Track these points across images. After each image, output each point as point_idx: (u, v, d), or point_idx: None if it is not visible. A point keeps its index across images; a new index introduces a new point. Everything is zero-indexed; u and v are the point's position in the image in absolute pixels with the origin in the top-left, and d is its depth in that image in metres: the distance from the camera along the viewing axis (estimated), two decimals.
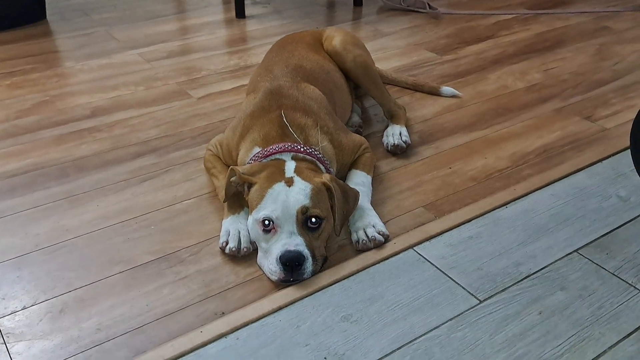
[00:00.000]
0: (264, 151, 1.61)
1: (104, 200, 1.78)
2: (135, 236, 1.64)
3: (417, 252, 1.55)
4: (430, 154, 2.00)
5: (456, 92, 2.36)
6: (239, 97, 2.34)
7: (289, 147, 1.60)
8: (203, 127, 2.16)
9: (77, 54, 2.77)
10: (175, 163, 1.95)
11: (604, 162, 1.93)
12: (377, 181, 1.84)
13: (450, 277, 1.46)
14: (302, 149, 1.61)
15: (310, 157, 1.62)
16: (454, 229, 1.62)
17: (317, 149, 1.64)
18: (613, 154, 1.96)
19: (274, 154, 1.60)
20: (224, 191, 1.60)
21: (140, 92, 2.42)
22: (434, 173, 1.90)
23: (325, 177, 1.54)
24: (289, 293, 1.43)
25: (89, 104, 2.32)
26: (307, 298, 1.41)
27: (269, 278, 1.47)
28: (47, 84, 2.48)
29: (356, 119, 2.11)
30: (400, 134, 2.02)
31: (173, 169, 1.92)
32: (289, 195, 1.47)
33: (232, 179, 1.57)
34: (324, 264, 1.50)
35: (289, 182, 1.50)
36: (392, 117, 2.11)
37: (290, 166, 1.56)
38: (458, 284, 1.44)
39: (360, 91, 2.30)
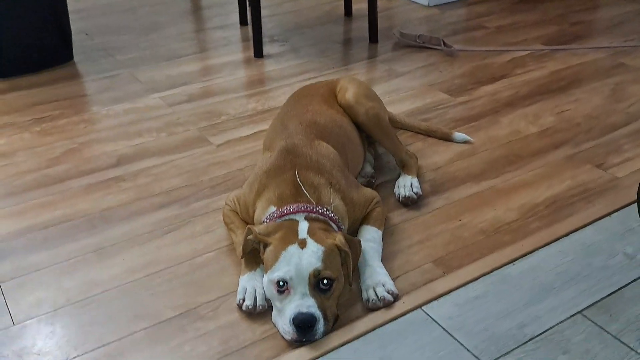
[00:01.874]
0: (278, 211, 1.70)
1: (130, 252, 1.88)
2: (159, 290, 1.73)
3: (425, 312, 1.61)
4: (441, 205, 2.07)
5: (468, 137, 2.43)
6: (256, 143, 2.43)
7: (302, 208, 1.69)
8: (222, 176, 2.25)
9: (103, 97, 2.89)
10: (195, 214, 2.05)
11: (612, 215, 1.98)
12: (388, 233, 1.92)
13: (456, 339, 1.52)
14: (314, 209, 1.69)
15: (323, 217, 1.70)
16: (462, 288, 1.69)
17: (329, 208, 1.72)
18: (622, 207, 2.01)
19: (288, 214, 1.69)
20: (241, 248, 1.69)
21: (162, 139, 2.52)
22: (443, 226, 1.97)
23: (337, 238, 1.62)
24: (302, 354, 1.51)
25: (114, 152, 2.44)
26: (319, 359, 1.49)
27: (282, 337, 1.55)
28: (74, 130, 2.60)
29: (369, 169, 2.19)
30: (411, 185, 2.09)
31: (193, 221, 2.02)
32: (302, 258, 1.55)
33: (249, 237, 1.66)
34: (335, 322, 1.58)
35: (302, 244, 1.58)
36: (404, 166, 2.18)
37: (303, 227, 1.64)
38: (464, 346, 1.50)
39: (372, 139, 2.37)
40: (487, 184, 2.18)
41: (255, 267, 1.71)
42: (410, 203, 2.06)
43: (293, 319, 1.50)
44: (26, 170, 2.33)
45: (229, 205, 1.93)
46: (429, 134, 2.48)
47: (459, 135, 2.43)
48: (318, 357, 1.49)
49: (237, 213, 1.89)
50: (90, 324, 1.62)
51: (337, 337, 1.54)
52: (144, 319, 1.64)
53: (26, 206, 2.12)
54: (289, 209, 1.69)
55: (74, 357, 1.53)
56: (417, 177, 2.15)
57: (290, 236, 1.61)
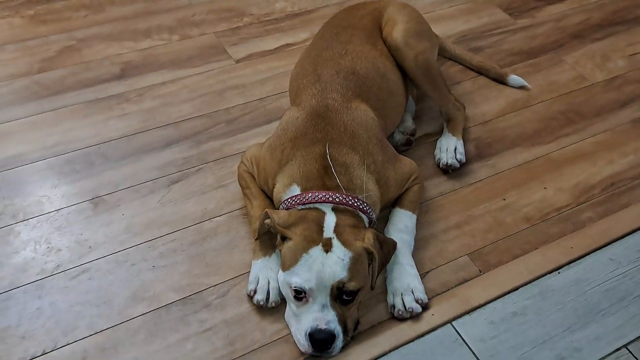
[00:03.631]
0: (302, 197, 1.47)
1: (130, 206, 1.68)
2: (161, 263, 1.56)
3: (455, 328, 1.45)
4: (486, 176, 1.82)
5: (524, 82, 2.10)
6: (281, 64, 2.12)
7: (330, 198, 1.45)
8: (241, 107, 1.97)
9: None
10: (207, 159, 1.81)
11: None
12: (422, 210, 1.70)
13: None
14: (343, 200, 1.46)
15: (352, 208, 1.47)
16: (498, 300, 1.51)
17: (360, 197, 1.49)
18: None
19: (314, 203, 1.46)
20: (256, 227, 1.49)
21: (174, 44, 2.19)
22: (485, 205, 1.74)
23: (367, 237, 1.40)
24: None
25: (118, 57, 2.12)
26: None
27: (295, 342, 1.40)
28: (72, 19, 2.26)
29: (409, 122, 1.90)
30: (455, 150, 1.82)
31: (205, 169, 1.78)
32: (326, 266, 1.36)
33: (266, 221, 1.45)
34: (355, 329, 1.42)
35: (327, 246, 1.38)
36: (449, 121, 1.89)
37: (329, 222, 1.42)
38: None
39: None
40: (540, 151, 1.90)
41: (270, 251, 1.52)
42: (451, 171, 1.81)
43: (310, 334, 1.34)
44: (16, 73, 2.04)
45: (245, 165, 1.68)
46: (480, 71, 2.14)
47: (514, 78, 2.10)
48: None
49: (254, 178, 1.66)
50: (81, 303, 1.47)
51: (356, 356, 1.40)
52: (142, 301, 1.48)
53: (11, 126, 1.87)
54: (316, 197, 1.46)
55: (63, 346, 1.39)
56: (463, 137, 1.87)
57: (314, 234, 1.40)
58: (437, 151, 1.85)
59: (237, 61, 2.14)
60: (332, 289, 1.35)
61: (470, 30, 2.34)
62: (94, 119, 1.91)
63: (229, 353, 1.40)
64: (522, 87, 2.10)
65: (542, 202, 1.76)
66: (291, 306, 1.41)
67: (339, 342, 1.36)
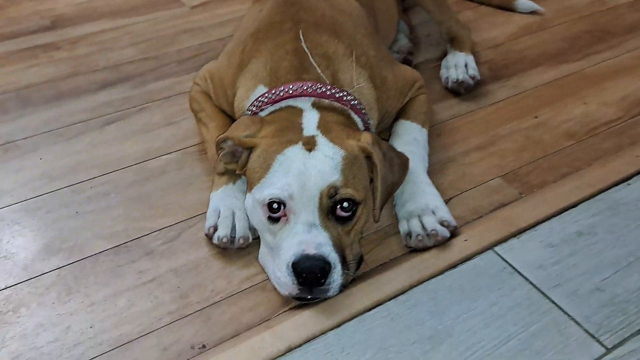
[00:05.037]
0: (271, 93, 1.07)
1: (51, 150, 1.27)
2: (87, 209, 1.14)
3: (499, 255, 1.03)
4: (507, 95, 1.45)
5: (536, 6, 1.76)
6: (246, 6, 1.76)
7: (309, 89, 1.06)
8: (196, 47, 1.61)
9: None
10: (154, 98, 1.42)
11: None
12: (432, 133, 1.30)
13: (555, 304, 0.94)
14: (328, 92, 1.07)
15: (340, 105, 1.07)
16: (554, 219, 1.10)
17: (350, 91, 1.10)
18: None
19: (287, 98, 1.06)
20: (213, 152, 1.08)
21: None
22: (513, 124, 1.35)
23: (365, 138, 1.00)
24: (306, 321, 0.93)
25: (49, 11, 1.77)
26: (332, 332, 0.92)
27: (275, 288, 0.97)
28: None
29: (404, 41, 1.54)
30: (465, 65, 1.45)
31: (150, 108, 1.39)
32: (309, 166, 0.95)
33: (223, 153, 1.04)
34: (358, 268, 0.99)
35: (310, 145, 0.97)
36: (452, 40, 1.53)
37: (311, 118, 1.03)
38: (570, 316, 0.92)
39: (408, 1, 1.71)
40: (569, 68, 1.54)
41: (234, 178, 1.11)
42: (464, 90, 1.43)
43: (294, 263, 0.91)
44: None
45: (198, 85, 1.29)
46: (482, 0, 1.81)
47: (524, 2, 1.76)
48: (332, 329, 0.92)
49: (210, 97, 1.27)
50: None
51: (361, 296, 0.96)
52: (58, 252, 1.05)
53: None
54: (288, 90, 1.06)
55: None
56: (473, 55, 1.51)
57: (289, 132, 1.00)
58: (443, 70, 1.47)
59: (192, 8, 1.79)
60: (321, 198, 0.94)
61: None
62: (13, 67, 1.53)
63: (179, 308, 0.97)
64: (533, 12, 1.76)
65: (585, 117, 1.38)
66: (266, 238, 0.99)
67: (335, 275, 0.93)
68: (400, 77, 1.24)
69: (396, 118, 1.25)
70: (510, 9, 1.77)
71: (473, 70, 1.44)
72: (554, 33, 1.68)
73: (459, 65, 1.45)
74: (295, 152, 0.96)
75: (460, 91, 1.42)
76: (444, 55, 1.53)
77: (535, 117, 1.38)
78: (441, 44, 1.59)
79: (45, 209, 1.14)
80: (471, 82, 1.42)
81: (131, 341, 0.92)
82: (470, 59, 1.47)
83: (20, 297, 0.98)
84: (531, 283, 0.97)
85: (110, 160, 1.24)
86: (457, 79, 1.42)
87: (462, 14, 1.75)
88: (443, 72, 1.46)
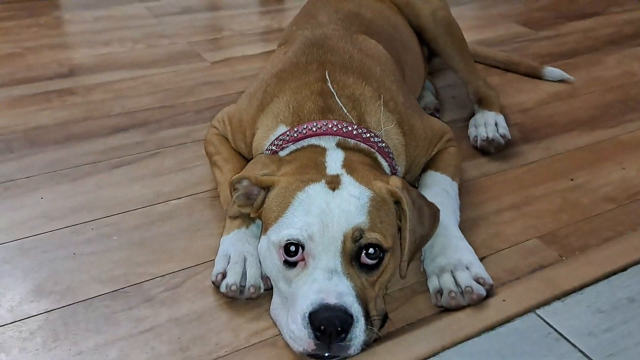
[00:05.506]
0: (293, 131, 1.00)
1: (54, 190, 1.19)
2: (86, 250, 1.04)
3: (542, 318, 0.91)
4: (540, 157, 1.36)
5: (566, 75, 1.71)
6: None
7: (335, 128, 0.99)
8: (214, 99, 1.56)
9: (70, 2, 2.19)
10: (167, 144, 1.36)
11: None
12: (461, 191, 1.20)
13: None
14: (354, 132, 0.99)
15: (367, 147, 1.00)
16: (601, 282, 0.98)
17: (378, 133, 1.02)
18: None
19: (310, 136, 0.99)
20: (227, 194, 1.00)
21: (138, 50, 1.83)
22: (548, 186, 1.27)
23: (393, 182, 0.92)
24: None
25: (68, 61, 1.74)
26: None
27: (288, 344, 0.85)
28: (22, 34, 1.92)
29: (430, 98, 1.49)
30: (496, 124, 1.38)
31: (162, 153, 1.32)
32: (333, 205, 0.86)
33: (237, 194, 0.95)
34: (382, 326, 0.88)
35: (333, 184, 0.89)
36: (480, 100, 1.47)
37: (335, 157, 0.94)
38: None
39: (434, 64, 1.67)
40: (603, 134, 1.47)
41: (248, 222, 1.01)
42: (494, 150, 1.35)
43: (311, 314, 0.80)
44: None
45: (216, 128, 1.23)
46: (508, 67, 1.76)
47: (552, 70, 1.71)
48: None
49: (227, 140, 1.20)
50: None
51: (388, 356, 0.84)
52: (49, 295, 0.95)
53: None
54: (312, 127, 0.99)
55: None
56: (503, 116, 1.44)
57: (311, 170, 0.92)
58: (471, 129, 1.40)
59: (213, 63, 1.76)
60: (344, 242, 0.84)
61: (486, 39, 2.00)
62: (24, 109, 1.48)
63: None
64: (562, 81, 1.71)
65: (624, 182, 1.29)
66: (280, 286, 0.89)
67: (358, 331, 0.81)
68: (429, 127, 1.17)
69: (424, 170, 1.17)
70: (538, 76, 1.72)
71: (503, 129, 1.37)
72: (585, 101, 1.62)
73: (488, 124, 1.38)
74: (317, 190, 0.88)
75: (490, 150, 1.35)
76: (471, 116, 1.47)
77: (572, 179, 1.29)
78: (468, 106, 1.53)
79: (40, 248, 1.04)
80: (502, 140, 1.35)
81: None
82: (500, 118, 1.40)
83: (1, 341, 0.87)
84: (581, 351, 0.85)
85: (116, 203, 1.16)
86: (487, 137, 1.34)
87: (489, 79, 1.71)
88: (472, 131, 1.39)
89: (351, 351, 0.82)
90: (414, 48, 1.40)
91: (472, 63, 1.50)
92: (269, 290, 0.94)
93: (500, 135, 1.35)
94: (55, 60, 1.74)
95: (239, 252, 0.96)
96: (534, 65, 1.74)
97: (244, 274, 0.94)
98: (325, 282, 0.83)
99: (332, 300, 0.81)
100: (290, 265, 0.86)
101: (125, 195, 1.18)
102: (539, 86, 1.70)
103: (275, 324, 0.90)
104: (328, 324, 0.79)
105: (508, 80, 1.72)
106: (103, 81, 1.63)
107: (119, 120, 1.44)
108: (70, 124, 1.42)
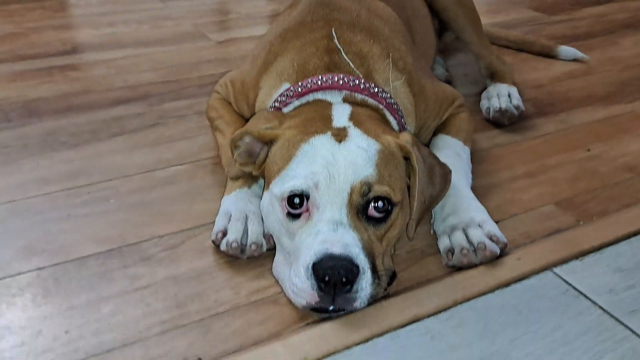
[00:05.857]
0: (297, 86, 0.96)
1: (50, 156, 1.15)
2: (81, 212, 1.00)
3: (559, 276, 0.86)
4: (555, 129, 1.32)
5: (580, 54, 1.66)
6: None
7: (341, 82, 0.94)
8: (218, 75, 1.51)
9: None
10: (168, 115, 1.32)
11: None
12: (473, 160, 1.15)
13: (633, 331, 0.76)
14: (362, 86, 0.95)
15: (375, 102, 0.95)
16: (622, 243, 0.93)
17: (386, 89, 0.98)
18: None
19: (315, 90, 0.94)
20: (228, 155, 0.95)
21: (143, 30, 1.80)
22: (563, 156, 1.21)
23: (404, 137, 0.87)
24: (326, 334, 0.76)
25: (72, 40, 1.72)
26: (359, 347, 0.74)
27: (290, 300, 0.80)
28: (25, 15, 1.89)
29: (441, 71, 1.44)
30: (509, 95, 1.34)
31: (164, 124, 1.28)
32: (339, 157, 0.81)
33: (239, 151, 0.91)
34: (390, 284, 0.83)
35: (340, 136, 0.84)
36: (493, 75, 1.43)
37: (341, 111, 0.90)
38: None
39: (445, 42, 1.62)
40: (621, 109, 1.42)
41: (250, 182, 0.97)
42: (507, 121, 1.30)
43: (315, 264, 0.76)
44: None
45: (218, 93, 1.19)
46: (522, 47, 1.71)
47: (566, 49, 1.67)
48: (357, 344, 0.74)
49: (230, 103, 1.16)
50: None
51: (395, 311, 0.79)
52: (41, 253, 0.91)
53: None
54: (317, 81, 0.95)
55: None
56: (516, 88, 1.39)
57: (316, 123, 0.87)
58: (483, 101, 1.35)
59: (219, 42, 1.73)
60: (351, 193, 0.79)
61: (498, 22, 1.95)
62: (25, 83, 1.45)
63: (174, 318, 0.80)
64: (576, 60, 1.66)
65: None
66: (283, 242, 0.84)
67: (364, 283, 0.76)
68: (440, 90, 1.13)
69: (435, 134, 1.12)
70: (552, 56, 1.67)
71: (517, 100, 1.32)
72: (601, 78, 1.57)
73: (501, 94, 1.33)
74: (323, 142, 0.83)
75: (504, 122, 1.30)
76: (483, 90, 1.43)
77: (588, 150, 1.24)
78: (480, 82, 1.48)
79: (33, 210, 1.00)
80: (515, 111, 1.30)
81: (112, 350, 0.75)
82: (513, 90, 1.36)
83: None
84: (601, 308, 0.80)
85: (114, 169, 1.12)
86: (500, 108, 1.29)
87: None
88: (484, 103, 1.35)
89: (357, 304, 0.77)
90: (425, 17, 1.36)
91: (484, 37, 1.45)
92: (272, 250, 0.89)
93: (514, 107, 1.30)
94: (58, 39, 1.71)
95: (240, 210, 0.92)
96: (547, 44, 1.69)
97: (245, 232, 0.90)
98: (330, 234, 0.78)
99: (337, 250, 0.76)
100: (293, 217, 0.82)
101: (124, 162, 1.14)
102: (554, 65, 1.65)
103: (277, 281, 0.85)
104: (332, 273, 0.74)
105: (522, 59, 1.67)
106: (106, 58, 1.59)
107: (120, 94, 1.40)
108: (70, 96, 1.38)
